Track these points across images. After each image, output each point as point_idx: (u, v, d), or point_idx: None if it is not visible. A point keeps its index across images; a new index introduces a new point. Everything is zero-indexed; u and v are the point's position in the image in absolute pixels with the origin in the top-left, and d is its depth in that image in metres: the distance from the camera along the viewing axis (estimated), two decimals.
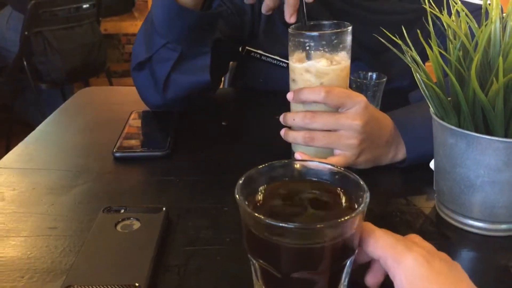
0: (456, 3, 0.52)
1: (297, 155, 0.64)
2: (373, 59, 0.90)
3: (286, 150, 0.69)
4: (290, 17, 0.66)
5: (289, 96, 0.64)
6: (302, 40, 0.63)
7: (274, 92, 0.75)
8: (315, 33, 0.62)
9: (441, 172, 0.56)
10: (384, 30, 0.60)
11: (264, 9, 0.70)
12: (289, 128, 0.66)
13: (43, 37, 2.24)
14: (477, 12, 0.57)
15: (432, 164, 0.62)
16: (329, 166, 0.44)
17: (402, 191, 0.64)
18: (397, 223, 0.57)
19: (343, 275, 0.42)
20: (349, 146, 0.63)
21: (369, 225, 0.42)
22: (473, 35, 0.51)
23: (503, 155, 0.49)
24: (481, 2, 0.53)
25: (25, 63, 2.22)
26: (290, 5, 0.65)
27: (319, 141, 0.63)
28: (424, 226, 0.57)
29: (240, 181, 0.42)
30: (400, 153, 0.67)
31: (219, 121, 0.86)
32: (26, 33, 2.17)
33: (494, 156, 0.49)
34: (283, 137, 0.66)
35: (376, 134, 0.65)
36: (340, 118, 0.62)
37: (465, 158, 0.51)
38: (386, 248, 0.40)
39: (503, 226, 0.54)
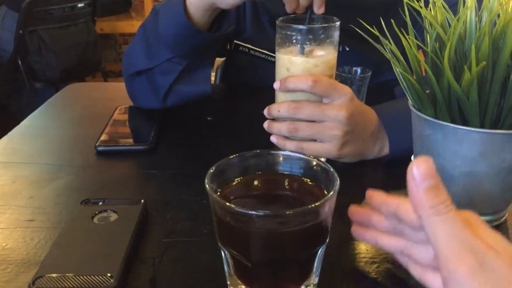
0: None
1: (273, 138, 0.64)
2: (358, 44, 0.90)
3: (270, 144, 0.69)
4: (319, 9, 0.66)
5: (276, 85, 0.64)
6: (289, 33, 0.62)
7: (263, 87, 0.75)
8: (303, 27, 0.62)
9: None
10: (363, 22, 0.59)
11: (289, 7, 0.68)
12: (273, 120, 0.66)
13: (38, 36, 2.24)
14: (457, 6, 0.57)
15: (413, 157, 0.62)
16: (301, 156, 0.44)
17: (383, 184, 0.64)
18: None
19: (315, 264, 0.42)
20: (333, 137, 0.62)
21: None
22: (450, 26, 0.51)
23: (478, 145, 0.49)
24: None
25: (19, 62, 2.23)
26: None
27: (304, 132, 0.63)
28: None
29: (211, 170, 0.42)
30: (386, 147, 0.67)
31: (204, 116, 0.86)
32: (20, 32, 2.17)
33: (470, 147, 0.49)
34: (266, 129, 0.66)
35: (361, 126, 0.65)
36: (325, 109, 0.62)
37: (442, 149, 0.51)
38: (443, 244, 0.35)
39: (482, 218, 0.53)
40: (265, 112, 0.66)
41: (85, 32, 2.43)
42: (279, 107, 0.63)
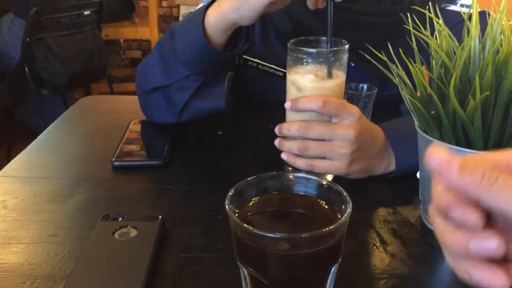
0: (438, 23, 0.54)
1: (283, 156, 0.67)
2: (364, 61, 0.92)
3: (280, 159, 0.72)
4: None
5: (287, 105, 0.67)
6: (300, 55, 0.65)
7: (272, 101, 0.78)
8: (313, 50, 0.65)
9: (425, 182, 0.59)
10: (369, 47, 0.62)
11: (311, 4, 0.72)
12: (283, 138, 0.69)
13: (45, 44, 2.27)
14: (463, 24, 0.59)
15: (419, 174, 0.65)
16: (315, 178, 0.47)
17: (389, 201, 0.67)
18: (383, 231, 0.59)
19: (328, 282, 0.45)
20: (342, 155, 0.65)
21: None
22: (455, 51, 0.54)
23: None
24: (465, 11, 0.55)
25: (26, 69, 2.25)
26: None
27: (313, 150, 0.65)
28: (409, 234, 0.59)
29: (230, 193, 0.45)
30: (392, 164, 0.70)
31: (215, 130, 0.88)
32: (28, 39, 2.20)
33: None
34: (277, 147, 0.69)
35: (368, 144, 0.67)
36: (334, 129, 0.64)
37: None
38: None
39: None
40: (276, 130, 0.68)
41: (91, 39, 2.46)
42: (290, 126, 0.66)
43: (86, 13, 2.42)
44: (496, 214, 0.29)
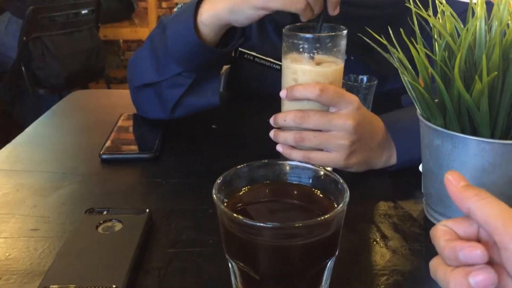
0: (441, 3, 0.51)
1: (279, 148, 0.64)
2: (363, 55, 0.89)
3: (275, 153, 0.69)
4: (333, 10, 0.66)
5: (282, 93, 0.63)
6: (296, 41, 0.62)
7: (268, 95, 0.75)
8: (309, 35, 0.62)
9: (429, 175, 0.56)
10: (371, 31, 0.59)
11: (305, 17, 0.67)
12: (279, 129, 0.66)
13: (42, 43, 2.25)
14: (465, 14, 0.56)
15: (421, 167, 0.62)
16: (310, 166, 0.44)
17: (391, 194, 0.63)
18: (384, 226, 0.56)
19: (324, 278, 0.41)
20: (340, 147, 0.62)
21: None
22: (459, 35, 0.51)
23: (489, 156, 0.48)
24: (468, 1, 0.52)
25: (23, 68, 2.23)
26: (332, 1, 0.65)
27: (310, 141, 0.62)
28: (411, 229, 0.56)
29: (218, 181, 0.42)
30: (393, 157, 0.67)
31: (209, 124, 0.85)
32: (24, 38, 2.18)
33: (480, 158, 0.49)
34: (272, 138, 0.65)
35: (368, 136, 0.64)
36: (332, 118, 0.61)
37: (452, 159, 0.50)
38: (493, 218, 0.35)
39: None
40: (271, 121, 0.65)
41: (89, 38, 2.43)
42: (285, 116, 0.62)
43: (83, 12, 2.40)
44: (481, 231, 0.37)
